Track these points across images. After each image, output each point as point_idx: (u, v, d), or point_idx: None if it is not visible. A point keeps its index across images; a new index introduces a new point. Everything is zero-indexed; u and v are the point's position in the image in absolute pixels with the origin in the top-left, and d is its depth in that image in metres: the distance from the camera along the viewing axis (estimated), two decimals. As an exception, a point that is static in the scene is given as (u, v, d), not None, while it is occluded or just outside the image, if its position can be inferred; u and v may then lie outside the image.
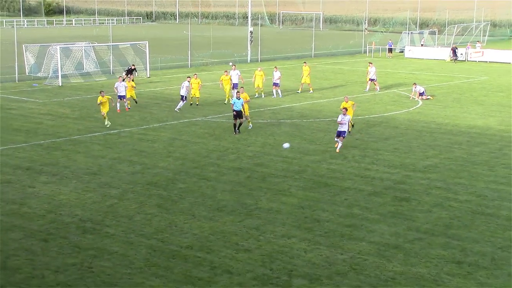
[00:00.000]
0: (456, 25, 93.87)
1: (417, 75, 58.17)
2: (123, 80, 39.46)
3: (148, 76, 55.37)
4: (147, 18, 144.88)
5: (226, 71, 42.88)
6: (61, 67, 50.73)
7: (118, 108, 38.84)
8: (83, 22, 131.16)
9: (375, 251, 18.67)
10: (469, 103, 44.22)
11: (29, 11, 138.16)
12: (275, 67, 47.29)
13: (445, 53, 74.78)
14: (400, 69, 64.28)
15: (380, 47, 78.79)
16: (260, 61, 68.27)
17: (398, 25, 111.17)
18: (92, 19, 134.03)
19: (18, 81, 51.26)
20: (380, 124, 36.67)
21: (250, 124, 34.59)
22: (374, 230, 20.27)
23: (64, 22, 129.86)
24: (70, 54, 55.45)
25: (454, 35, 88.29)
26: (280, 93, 45.68)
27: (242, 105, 33.11)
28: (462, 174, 26.72)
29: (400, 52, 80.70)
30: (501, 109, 42.06)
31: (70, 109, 39.97)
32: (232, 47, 77.50)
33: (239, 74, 44.00)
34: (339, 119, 29.82)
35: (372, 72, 48.91)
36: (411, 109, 41.73)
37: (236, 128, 33.27)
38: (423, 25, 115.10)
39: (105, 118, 34.64)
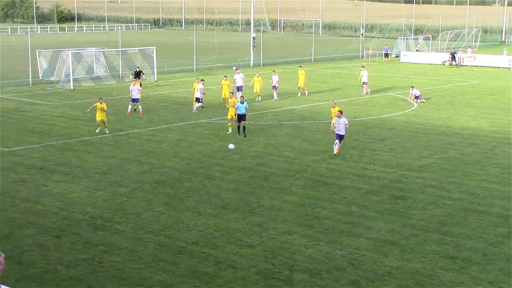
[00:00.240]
0: (449, 31, 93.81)
1: (412, 79, 58.09)
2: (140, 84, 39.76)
3: (156, 80, 55.36)
4: (155, 24, 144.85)
5: (225, 76, 42.42)
6: (72, 72, 50.74)
7: (129, 111, 38.91)
8: (93, 28, 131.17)
9: (372, 247, 18.65)
10: (462, 106, 44.17)
11: (43, 18, 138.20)
12: (273, 71, 47.28)
13: (439, 58, 74.73)
14: (396, 73, 64.23)
15: (377, 52, 78.71)
16: (262, 65, 68.27)
17: (394, 31, 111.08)
18: (102, 25, 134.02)
19: (32, 84, 51.29)
20: (376, 125, 36.64)
21: (230, 129, 33.82)
22: (372, 227, 20.25)
23: (76, 29, 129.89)
24: (81, 59, 55.44)
25: (447, 40, 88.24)
26: (275, 96, 45.50)
27: (246, 108, 32.97)
28: (455, 173, 26.69)
29: (395, 57, 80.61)
30: (492, 111, 42.01)
31: (82, 111, 39.95)
32: (235, 52, 77.48)
33: (243, 77, 43.96)
34: (334, 122, 29.48)
35: (364, 75, 48.83)
36: (406, 111, 41.69)
37: (239, 131, 33.04)
38: (418, 31, 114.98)
39: (98, 125, 33.66)
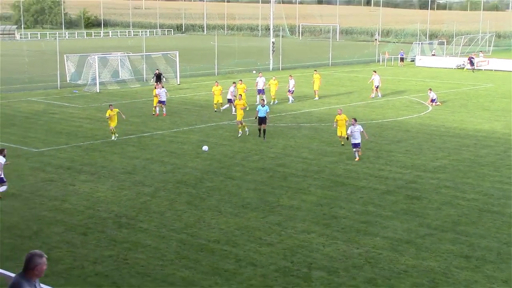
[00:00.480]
0: (463, 36, 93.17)
1: (427, 83, 57.72)
2: (162, 87, 39.89)
3: (178, 83, 55.47)
4: (178, 30, 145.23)
5: (216, 82, 41.75)
6: (98, 75, 51.00)
7: (157, 112, 39.04)
8: (119, 34, 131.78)
9: (388, 245, 18.52)
10: (476, 109, 43.81)
11: (70, 24, 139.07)
12: (290, 75, 47.19)
13: (453, 62, 74.21)
14: (411, 77, 63.85)
15: (393, 56, 78.32)
16: (281, 69, 68.16)
17: (409, 36, 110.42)
18: (127, 31, 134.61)
19: (60, 88, 51.60)
20: (392, 127, 36.43)
21: (247, 129, 33.60)
22: (388, 226, 20.11)
23: (102, 34, 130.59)
24: (107, 63, 55.70)
25: (461, 45, 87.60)
26: (291, 99, 45.32)
27: (267, 112, 32.74)
28: (469, 174, 26.45)
29: (411, 61, 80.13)
30: (505, 114, 41.61)
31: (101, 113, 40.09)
32: (255, 56, 77.49)
33: (264, 80, 43.93)
34: (348, 131, 28.74)
35: (376, 79, 48.47)
36: (421, 114, 41.42)
37: (260, 134, 32.81)
38: (432, 36, 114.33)
39: (112, 133, 32.20)
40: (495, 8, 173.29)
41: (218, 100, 40.54)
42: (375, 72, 49.65)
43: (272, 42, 70.93)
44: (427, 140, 33.12)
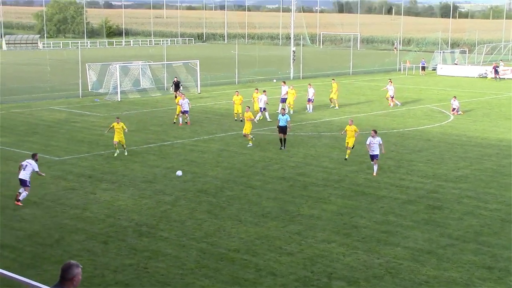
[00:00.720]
0: (486, 45, 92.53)
1: (449, 92, 57.37)
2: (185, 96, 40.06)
3: (199, 92, 55.66)
4: (198, 39, 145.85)
5: (237, 91, 41.78)
6: (120, 84, 51.31)
7: (181, 122, 39.16)
8: (140, 42, 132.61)
9: (409, 256, 18.41)
10: (498, 118, 43.46)
11: (92, 33, 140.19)
12: (309, 84, 47.07)
13: (475, 71, 73.72)
14: (433, 86, 63.54)
15: (414, 65, 78.00)
16: (302, 78, 68.13)
17: (431, 45, 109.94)
18: (148, 40, 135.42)
19: (81, 96, 51.99)
20: (414, 137, 36.26)
21: (250, 143, 33.15)
22: (409, 236, 19.99)
23: (123, 43, 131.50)
24: (128, 72, 56.06)
25: (483, 54, 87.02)
26: (311, 108, 45.23)
27: (288, 121, 32.57)
28: (491, 184, 26.23)
29: (432, 70, 79.74)
30: (528, 123, 41.23)
31: (128, 122, 40.27)
32: (276, 65, 77.56)
33: (287, 89, 43.97)
34: (368, 142, 27.78)
35: (391, 89, 48.31)
36: (443, 123, 41.18)
37: (282, 144, 32.54)
38: (454, 44, 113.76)
39: (115, 148, 30.70)
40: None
41: (238, 110, 40.57)
42: (391, 81, 49.53)
43: (293, 51, 70.98)
44: (448, 149, 32.91)
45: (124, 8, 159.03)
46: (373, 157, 27.73)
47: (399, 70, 79.64)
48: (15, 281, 8.93)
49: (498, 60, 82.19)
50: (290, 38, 77.09)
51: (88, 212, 22.27)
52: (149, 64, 60.55)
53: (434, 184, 26.20)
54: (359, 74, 75.54)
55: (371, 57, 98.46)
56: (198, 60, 57.70)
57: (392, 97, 48.30)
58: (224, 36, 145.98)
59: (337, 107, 46.85)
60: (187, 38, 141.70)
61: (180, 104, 39.24)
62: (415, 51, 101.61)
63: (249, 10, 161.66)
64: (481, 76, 72.08)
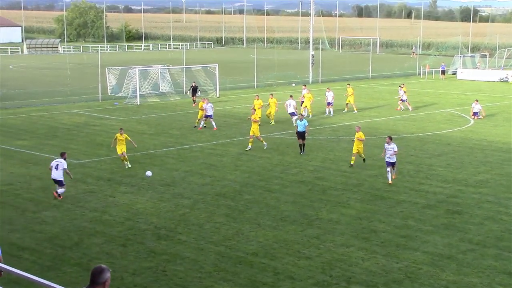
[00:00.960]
0: (507, 49, 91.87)
1: (469, 96, 57.02)
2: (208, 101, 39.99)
3: (218, 96, 55.74)
4: (217, 43, 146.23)
5: (257, 95, 41.66)
6: (139, 88, 51.55)
7: (200, 126, 39.10)
8: (159, 47, 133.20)
9: (429, 260, 18.29)
10: (519, 122, 43.08)
11: (112, 38, 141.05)
12: (328, 88, 46.98)
13: (496, 75, 73.18)
14: (453, 90, 63.16)
15: (433, 69, 77.61)
16: (321, 82, 68.02)
17: (451, 49, 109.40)
18: (167, 44, 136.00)
19: (101, 100, 52.29)
20: (433, 141, 36.05)
21: (265, 143, 33.28)
22: (428, 241, 19.87)
23: (143, 47, 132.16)
24: (147, 75, 56.33)
25: (504, 58, 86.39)
26: (331, 111, 45.20)
27: (306, 126, 32.41)
28: (512, 189, 26.01)
29: (452, 74, 79.26)
30: (550, 128, 40.84)
31: (147, 126, 40.53)
32: (295, 69, 77.52)
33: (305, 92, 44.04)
34: (384, 147, 27.17)
35: (402, 94, 48.18)
36: (463, 127, 40.92)
37: (301, 149, 32.34)
38: (475, 48, 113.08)
39: (123, 160, 29.22)
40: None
41: (257, 114, 40.46)
42: (403, 85, 49.48)
43: (312, 55, 70.93)
44: (468, 154, 32.68)
45: (143, 12, 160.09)
46: (388, 164, 26.90)
47: (419, 74, 79.27)
48: (35, 283, 8.99)
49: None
50: (309, 42, 77.07)
51: (107, 215, 22.37)
52: (168, 68, 60.82)
53: (454, 188, 26.03)
54: (378, 78, 75.26)
55: (390, 61, 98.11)
56: (217, 64, 57.81)
57: (404, 101, 48.08)
58: (243, 40, 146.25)
59: (355, 111, 46.73)
60: (206, 42, 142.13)
61: (204, 108, 39.19)
62: (435, 55, 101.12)
63: (268, 14, 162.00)
64: (502, 80, 71.55)
